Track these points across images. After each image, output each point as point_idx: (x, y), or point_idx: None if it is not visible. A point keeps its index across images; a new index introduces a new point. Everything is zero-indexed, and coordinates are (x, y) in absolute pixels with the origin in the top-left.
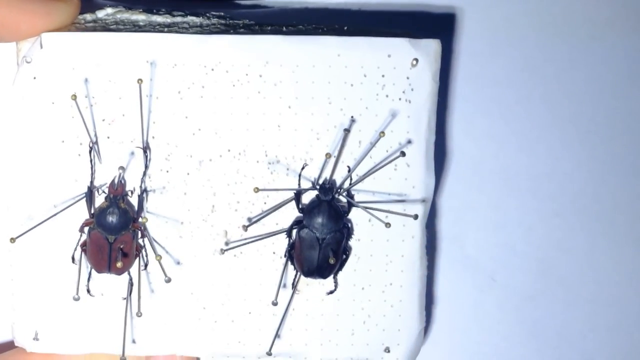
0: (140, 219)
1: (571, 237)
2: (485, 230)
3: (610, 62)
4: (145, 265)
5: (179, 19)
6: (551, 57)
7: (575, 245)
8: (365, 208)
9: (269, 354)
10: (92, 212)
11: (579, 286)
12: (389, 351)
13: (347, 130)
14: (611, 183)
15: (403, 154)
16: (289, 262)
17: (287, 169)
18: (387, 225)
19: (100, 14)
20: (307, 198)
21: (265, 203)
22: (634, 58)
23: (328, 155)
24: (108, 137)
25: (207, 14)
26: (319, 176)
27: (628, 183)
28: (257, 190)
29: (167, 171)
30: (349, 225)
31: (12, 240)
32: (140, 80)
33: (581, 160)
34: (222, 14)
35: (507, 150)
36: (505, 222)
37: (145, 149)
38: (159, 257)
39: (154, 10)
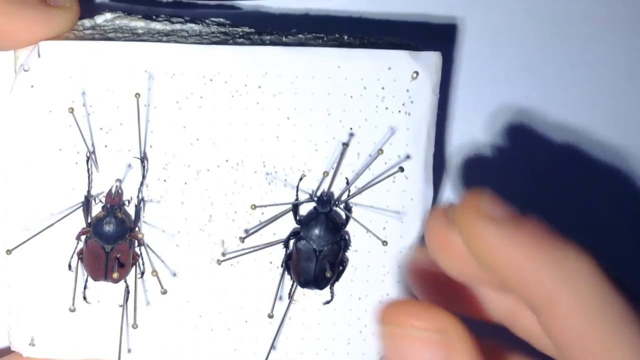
0: (137, 234)
1: (571, 237)
2: None
3: (610, 62)
4: (142, 274)
5: (178, 26)
6: (551, 57)
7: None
8: (365, 227)
9: None
10: (89, 221)
11: None
12: None
13: (345, 145)
14: (611, 183)
15: (401, 169)
16: (286, 273)
17: (285, 180)
18: (384, 243)
19: (99, 19)
20: (304, 209)
21: (262, 213)
22: (634, 58)
23: (325, 174)
24: (105, 146)
25: (207, 21)
26: (317, 188)
27: (628, 183)
28: (254, 207)
29: (165, 181)
30: (347, 237)
31: (9, 252)
32: (137, 95)
33: (581, 161)
34: (222, 20)
35: (507, 150)
36: None
37: (143, 158)
38: (155, 273)
39: (153, 17)
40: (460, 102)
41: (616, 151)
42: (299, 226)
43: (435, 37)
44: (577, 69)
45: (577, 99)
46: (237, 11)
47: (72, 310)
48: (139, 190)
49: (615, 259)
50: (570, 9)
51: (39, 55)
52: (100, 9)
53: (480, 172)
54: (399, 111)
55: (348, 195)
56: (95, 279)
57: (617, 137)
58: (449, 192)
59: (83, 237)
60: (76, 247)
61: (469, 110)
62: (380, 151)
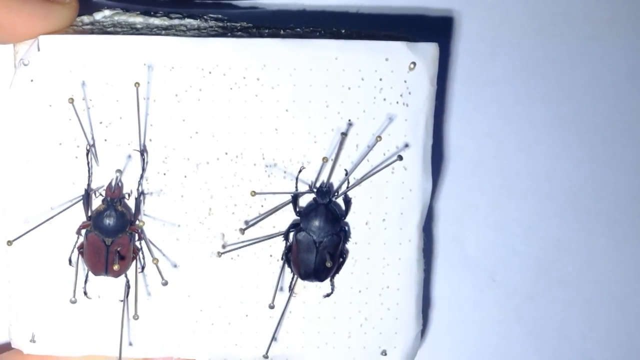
0: (137, 223)
1: (571, 237)
2: (485, 230)
3: (610, 62)
4: (142, 268)
5: (176, 22)
6: (551, 57)
7: (575, 245)
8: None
9: (266, 356)
10: (90, 214)
11: (579, 286)
12: (385, 354)
13: (344, 134)
14: (611, 183)
15: (400, 157)
16: (286, 265)
17: (285, 172)
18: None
19: (98, 16)
20: (304, 201)
21: (262, 206)
22: (634, 58)
23: (325, 160)
24: (105, 140)
25: (205, 17)
26: (316, 179)
27: (628, 183)
28: (253, 193)
29: (165, 174)
30: (346, 228)
31: (9, 242)
32: (137, 84)
33: (581, 160)
34: (220, 16)
35: (506, 150)
36: (505, 222)
37: (143, 151)
38: (155, 261)
39: (152, 13)
40: (458, 95)
41: (616, 151)
42: (298, 218)
43: (432, 30)
44: (577, 69)
45: (577, 99)
46: (234, 10)
47: (73, 302)
48: (139, 184)
49: (615, 258)
50: (571, 9)
51: (38, 49)
52: (99, 6)
53: (478, 164)
54: (397, 102)
55: (347, 187)
56: (96, 273)
57: (617, 137)
58: (448, 184)
59: (83, 231)
60: (76, 242)
61: (467, 104)
62: (378, 138)
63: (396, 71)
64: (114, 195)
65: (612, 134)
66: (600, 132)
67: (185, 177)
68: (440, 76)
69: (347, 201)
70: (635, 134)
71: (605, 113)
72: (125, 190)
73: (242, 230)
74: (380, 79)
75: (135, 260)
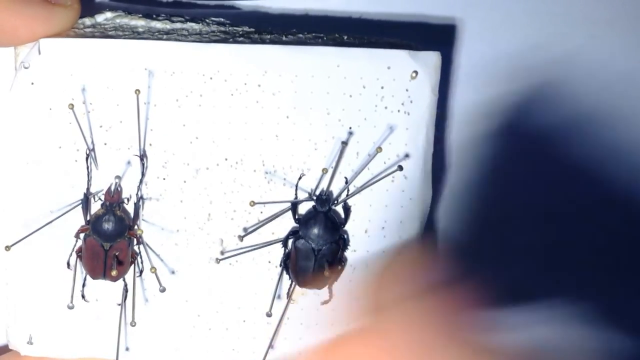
0: (136, 230)
1: (571, 235)
2: (485, 230)
3: (610, 62)
4: (141, 273)
5: (178, 25)
6: (551, 57)
7: (575, 244)
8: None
9: None
10: (88, 218)
11: (579, 285)
12: None
13: (344, 143)
14: (611, 183)
15: (400, 168)
16: (284, 272)
17: (284, 179)
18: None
19: (100, 18)
20: (303, 208)
21: (261, 212)
22: (634, 58)
23: (324, 171)
24: (105, 144)
25: (207, 20)
26: (316, 187)
27: (628, 182)
28: (252, 204)
29: (164, 179)
30: (345, 236)
31: (7, 248)
32: (137, 91)
33: (581, 160)
34: (222, 20)
35: (508, 158)
36: (505, 222)
37: (142, 156)
38: (153, 270)
39: (153, 16)
40: (460, 102)
41: (616, 151)
42: (297, 225)
43: (435, 37)
44: (577, 68)
45: (577, 99)
46: (237, 11)
47: (71, 307)
48: (138, 188)
49: (615, 257)
50: (571, 9)
51: (39, 53)
52: (101, 8)
53: (479, 173)
54: (398, 111)
55: (347, 195)
56: (94, 277)
57: (617, 137)
58: (448, 193)
59: (82, 235)
60: (75, 245)
61: (469, 111)
62: (379, 149)
63: (398, 79)
64: (113, 199)
65: (612, 134)
66: (600, 132)
67: (185, 182)
68: (442, 84)
69: (347, 209)
70: (635, 134)
71: (605, 113)
72: (125, 194)
73: (241, 237)
74: (382, 87)
75: (133, 265)
